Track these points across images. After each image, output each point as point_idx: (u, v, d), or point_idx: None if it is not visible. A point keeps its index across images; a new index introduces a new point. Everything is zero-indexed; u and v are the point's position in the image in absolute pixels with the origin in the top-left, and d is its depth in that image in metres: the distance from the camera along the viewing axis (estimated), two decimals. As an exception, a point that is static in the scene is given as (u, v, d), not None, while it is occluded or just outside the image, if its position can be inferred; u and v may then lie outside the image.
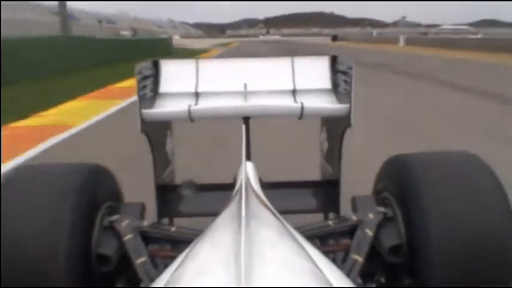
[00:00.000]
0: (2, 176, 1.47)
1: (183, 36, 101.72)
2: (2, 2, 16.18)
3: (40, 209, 1.33)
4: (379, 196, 1.62)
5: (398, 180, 1.51)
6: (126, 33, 41.94)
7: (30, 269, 1.27)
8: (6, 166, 4.58)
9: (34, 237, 1.28)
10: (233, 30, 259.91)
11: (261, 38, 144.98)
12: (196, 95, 1.86)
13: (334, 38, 79.57)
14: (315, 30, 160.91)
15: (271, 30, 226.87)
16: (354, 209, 1.62)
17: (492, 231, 1.31)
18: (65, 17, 21.62)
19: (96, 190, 1.49)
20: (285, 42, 76.83)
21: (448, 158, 1.57)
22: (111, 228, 1.49)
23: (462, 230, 1.31)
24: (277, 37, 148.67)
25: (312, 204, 2.15)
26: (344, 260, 1.44)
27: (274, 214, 1.14)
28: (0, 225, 1.28)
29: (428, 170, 1.46)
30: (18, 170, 1.50)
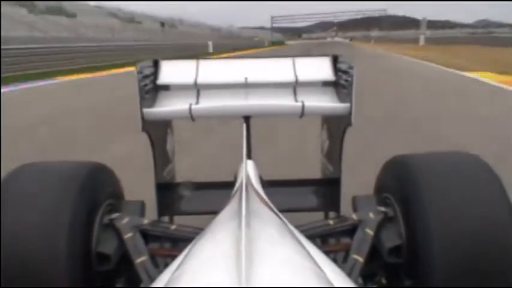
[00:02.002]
0: (2, 174, 1.45)
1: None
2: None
3: (40, 208, 1.33)
4: (379, 196, 1.64)
5: (399, 180, 1.52)
6: (257, 39, 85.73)
7: (30, 267, 1.27)
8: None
9: (34, 236, 1.28)
10: (307, 34, 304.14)
11: (328, 39, 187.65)
12: (197, 94, 1.88)
13: (351, 39, 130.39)
14: (374, 33, 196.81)
15: (339, 33, 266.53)
16: (355, 209, 1.64)
17: (493, 231, 1.32)
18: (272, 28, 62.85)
19: (96, 188, 1.50)
20: (341, 42, 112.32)
21: (449, 158, 1.58)
22: (111, 226, 1.50)
23: (463, 231, 1.31)
24: (340, 39, 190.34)
25: (312, 202, 2.17)
26: (345, 259, 1.45)
27: (274, 212, 1.15)
28: (0, 224, 1.29)
29: (429, 170, 1.46)
30: (18, 168, 1.49)
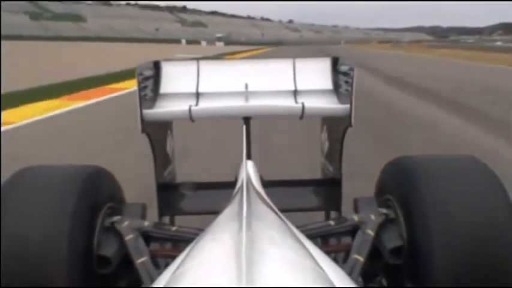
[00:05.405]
0: (2, 177, 1.46)
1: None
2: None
3: (41, 211, 1.34)
4: (381, 197, 1.64)
5: (400, 182, 1.53)
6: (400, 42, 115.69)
7: (31, 270, 1.27)
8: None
9: (35, 239, 1.29)
10: (456, 36, 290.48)
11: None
12: (197, 95, 1.88)
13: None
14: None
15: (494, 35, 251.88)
16: (356, 210, 1.65)
17: (493, 233, 1.32)
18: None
19: (96, 191, 1.51)
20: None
21: (450, 161, 1.58)
22: (113, 229, 1.50)
23: (463, 232, 1.32)
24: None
25: (313, 202, 2.18)
26: (345, 260, 1.45)
27: (275, 213, 1.15)
28: (1, 227, 1.29)
29: (430, 172, 1.47)
30: (18, 172, 1.50)
